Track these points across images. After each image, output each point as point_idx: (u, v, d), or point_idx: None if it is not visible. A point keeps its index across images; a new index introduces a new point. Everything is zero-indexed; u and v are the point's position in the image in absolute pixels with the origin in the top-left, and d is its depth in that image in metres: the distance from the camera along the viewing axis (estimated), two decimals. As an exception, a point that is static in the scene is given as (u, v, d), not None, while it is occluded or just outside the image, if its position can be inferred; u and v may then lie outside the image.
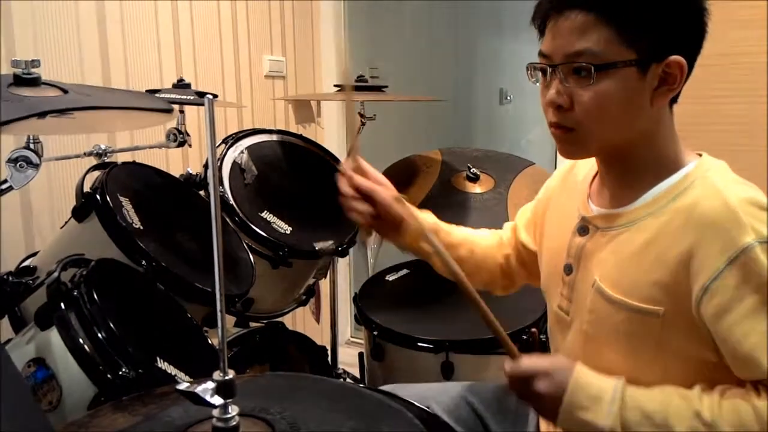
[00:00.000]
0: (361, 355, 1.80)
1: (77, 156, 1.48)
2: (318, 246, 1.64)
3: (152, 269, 1.21)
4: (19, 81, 1.08)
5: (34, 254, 1.36)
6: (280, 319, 1.76)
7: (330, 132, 2.71)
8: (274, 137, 1.84)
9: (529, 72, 0.93)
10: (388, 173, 1.95)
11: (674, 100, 0.90)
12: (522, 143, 3.19)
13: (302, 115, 2.23)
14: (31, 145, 1.06)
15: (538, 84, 0.92)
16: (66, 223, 1.34)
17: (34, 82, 1.08)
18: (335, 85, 2.06)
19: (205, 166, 1.70)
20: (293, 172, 1.81)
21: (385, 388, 1.14)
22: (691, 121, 1.15)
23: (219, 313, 0.61)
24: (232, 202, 1.57)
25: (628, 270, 0.89)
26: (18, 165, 1.04)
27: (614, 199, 0.94)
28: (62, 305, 1.00)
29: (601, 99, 0.85)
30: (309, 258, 1.67)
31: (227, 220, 1.55)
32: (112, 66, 1.75)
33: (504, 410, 1.13)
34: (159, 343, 1.11)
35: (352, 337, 2.95)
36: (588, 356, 0.95)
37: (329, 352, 1.95)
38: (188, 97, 1.58)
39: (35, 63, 1.08)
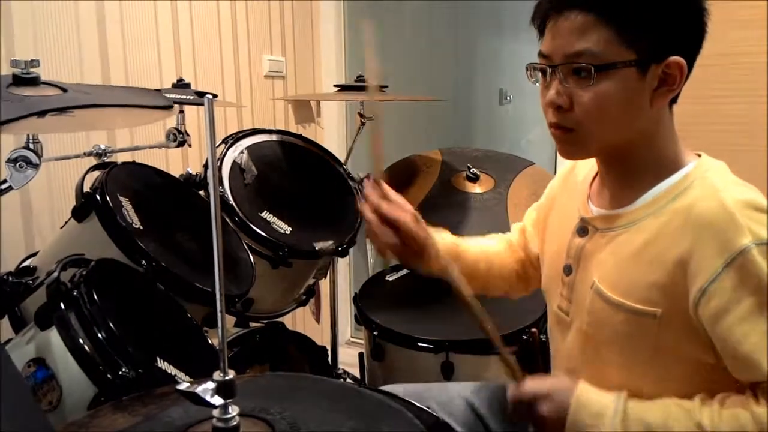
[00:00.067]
0: (361, 355, 1.80)
1: (77, 156, 1.48)
2: (318, 246, 1.64)
3: (152, 269, 1.21)
4: (19, 81, 1.07)
5: (34, 254, 1.36)
6: (280, 319, 1.75)
7: (330, 132, 2.71)
8: (274, 137, 1.84)
9: (528, 72, 0.93)
10: (389, 173, 1.97)
11: (674, 100, 0.90)
12: (522, 143, 3.19)
13: (302, 115, 2.23)
14: (31, 145, 1.06)
15: (537, 84, 0.92)
16: (66, 223, 1.34)
17: (34, 81, 1.08)
18: (335, 85, 2.05)
19: (205, 166, 1.70)
20: (293, 172, 1.81)
21: (385, 388, 1.14)
22: (691, 121, 1.15)
23: (219, 313, 0.61)
24: (231, 202, 1.57)
25: (626, 271, 0.89)
26: (18, 165, 1.04)
27: (614, 200, 0.94)
28: (62, 305, 1.00)
29: (600, 99, 0.85)
30: (309, 258, 1.67)
31: (227, 220, 1.54)
32: (111, 66, 1.75)
33: (504, 410, 1.13)
34: (159, 343, 1.11)
35: (352, 337, 2.95)
36: (587, 357, 0.95)
37: (329, 353, 1.95)
38: (188, 97, 1.58)
39: (34, 63, 1.08)
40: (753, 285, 0.78)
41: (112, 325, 0.99)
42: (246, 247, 1.54)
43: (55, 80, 1.14)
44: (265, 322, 1.74)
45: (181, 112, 1.58)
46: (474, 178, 1.89)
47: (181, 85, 1.68)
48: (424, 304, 1.71)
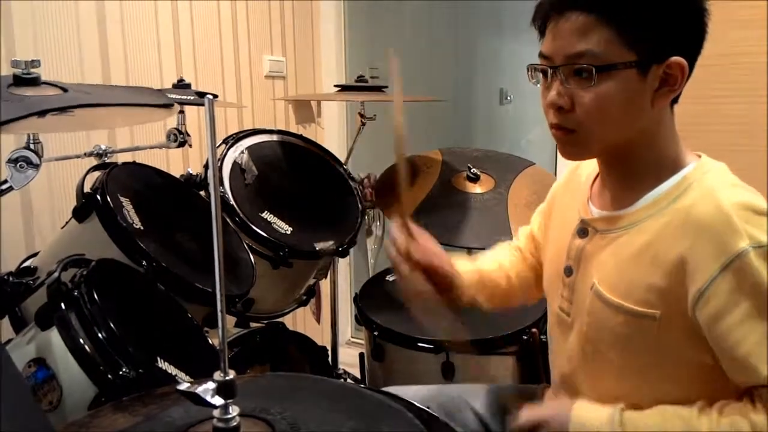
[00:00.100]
0: (361, 355, 1.80)
1: (77, 156, 1.48)
2: (318, 246, 1.64)
3: (152, 269, 1.21)
4: (19, 81, 1.08)
5: (34, 254, 1.36)
6: (280, 320, 1.75)
7: (330, 132, 2.71)
8: (275, 137, 1.84)
9: (529, 73, 0.93)
10: (389, 174, 1.97)
11: (675, 100, 0.90)
12: (522, 143, 3.19)
13: (302, 115, 2.23)
14: (31, 146, 1.06)
15: (538, 85, 0.92)
16: (66, 223, 1.34)
17: (34, 81, 1.08)
18: (335, 85, 2.05)
19: (206, 167, 1.70)
20: (293, 172, 1.81)
21: (385, 390, 1.14)
22: (691, 122, 1.15)
23: (219, 314, 0.61)
24: (232, 202, 1.57)
25: (626, 273, 0.89)
26: (18, 165, 1.04)
27: (615, 201, 0.94)
28: (62, 305, 1.00)
29: (602, 100, 0.84)
30: (309, 258, 1.67)
31: (227, 220, 1.54)
32: (112, 66, 1.75)
33: (504, 412, 1.13)
34: (159, 343, 1.11)
35: (352, 337, 2.95)
36: (587, 358, 0.95)
37: (330, 353, 1.95)
38: (188, 97, 1.58)
39: (35, 63, 1.08)
40: (750, 288, 0.78)
41: (112, 326, 0.99)
42: (246, 247, 1.54)
43: (55, 80, 1.14)
44: (265, 322, 1.74)
45: (182, 112, 1.58)
46: (474, 179, 1.89)
47: (181, 85, 1.68)
48: (425, 304, 1.71)
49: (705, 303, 0.80)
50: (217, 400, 0.59)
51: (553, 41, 0.87)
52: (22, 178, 1.04)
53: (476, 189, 1.88)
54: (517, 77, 3.12)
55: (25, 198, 1.55)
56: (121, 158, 1.57)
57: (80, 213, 1.27)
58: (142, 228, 1.28)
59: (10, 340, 1.10)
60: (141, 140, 1.81)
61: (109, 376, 0.95)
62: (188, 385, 0.59)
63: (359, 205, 1.83)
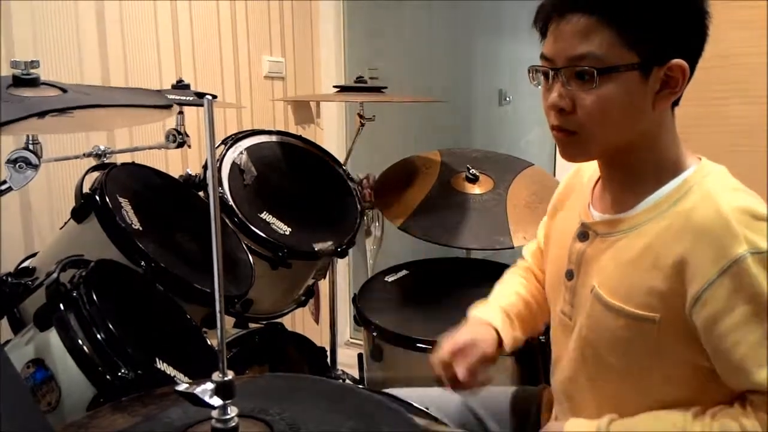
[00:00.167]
0: (360, 356, 1.79)
1: (76, 157, 1.48)
2: (317, 247, 1.64)
3: (151, 270, 1.21)
4: (19, 82, 1.07)
5: (33, 255, 1.36)
6: (279, 320, 1.75)
7: (329, 133, 2.71)
8: (274, 138, 1.84)
9: (530, 75, 0.93)
10: (388, 174, 1.97)
11: (676, 102, 0.90)
12: (521, 144, 3.19)
13: (301, 115, 2.24)
14: (31, 146, 1.06)
15: (539, 87, 0.92)
16: (65, 224, 1.34)
17: (33, 82, 1.08)
18: (335, 86, 2.05)
19: (205, 167, 1.70)
20: (292, 172, 1.81)
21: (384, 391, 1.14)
22: (692, 123, 1.15)
23: (218, 314, 0.61)
24: (231, 202, 1.57)
25: (626, 276, 0.88)
26: (17, 166, 1.04)
27: (616, 204, 0.94)
28: (61, 306, 1.00)
29: (603, 102, 0.84)
30: (308, 259, 1.67)
31: (226, 220, 1.54)
32: (111, 66, 1.75)
33: (504, 413, 1.13)
34: (158, 344, 1.11)
35: (351, 338, 2.95)
36: (588, 361, 0.95)
37: (328, 353, 1.95)
38: (187, 98, 1.58)
39: (34, 64, 1.08)
40: (747, 293, 0.78)
41: (111, 326, 0.99)
42: (245, 247, 1.54)
43: (54, 81, 1.14)
44: (264, 322, 1.74)
45: (181, 113, 1.58)
46: (473, 179, 1.89)
47: (180, 85, 1.68)
48: (424, 304, 1.71)
49: (702, 306, 0.80)
50: (216, 401, 0.59)
51: (555, 43, 0.87)
52: (22, 179, 1.04)
53: (475, 190, 1.88)
54: (516, 78, 3.14)
55: (24, 198, 1.55)
56: (120, 159, 1.57)
57: (79, 213, 1.27)
58: (140, 228, 1.28)
59: (8, 341, 1.10)
60: (140, 141, 1.81)
61: (108, 376, 0.95)
62: (187, 385, 0.59)
63: (358, 206, 1.83)
